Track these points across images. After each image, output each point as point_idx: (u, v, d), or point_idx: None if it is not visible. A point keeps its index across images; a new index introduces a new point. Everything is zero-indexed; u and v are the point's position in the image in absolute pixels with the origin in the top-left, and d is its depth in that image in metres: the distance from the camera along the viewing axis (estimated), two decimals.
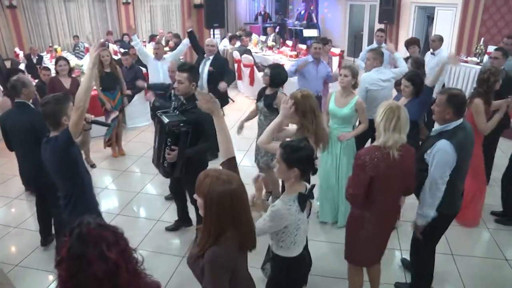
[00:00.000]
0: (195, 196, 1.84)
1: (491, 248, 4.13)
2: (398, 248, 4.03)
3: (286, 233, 2.40)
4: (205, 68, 5.92)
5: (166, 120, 3.34)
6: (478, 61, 7.77)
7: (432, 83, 3.86)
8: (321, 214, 4.49)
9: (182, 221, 4.37)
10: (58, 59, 5.71)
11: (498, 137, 5.14)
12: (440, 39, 6.33)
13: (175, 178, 3.95)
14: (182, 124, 3.32)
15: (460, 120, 2.87)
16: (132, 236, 4.14)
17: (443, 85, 6.46)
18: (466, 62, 8.24)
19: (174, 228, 4.38)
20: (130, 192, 5.26)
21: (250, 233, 1.89)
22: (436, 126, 3.03)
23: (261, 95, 4.48)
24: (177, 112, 3.55)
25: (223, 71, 5.99)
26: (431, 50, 6.49)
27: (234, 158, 2.24)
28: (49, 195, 3.69)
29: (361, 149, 2.82)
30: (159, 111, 3.53)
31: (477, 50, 8.43)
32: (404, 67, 5.05)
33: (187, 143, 3.39)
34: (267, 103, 4.33)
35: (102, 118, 6.17)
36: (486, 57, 6.33)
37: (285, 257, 2.48)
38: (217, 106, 2.25)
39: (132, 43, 6.89)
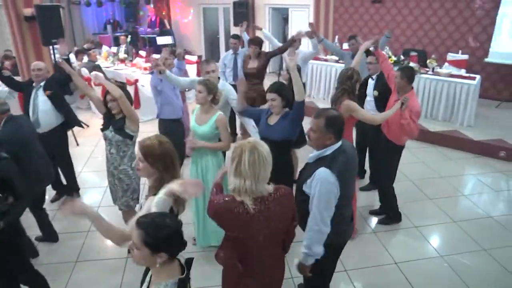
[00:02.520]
0: None
1: (381, 254, 4.03)
2: (290, 276, 3.61)
3: None
4: (39, 97, 4.54)
5: None
6: (337, 59, 7.87)
7: (300, 97, 3.34)
8: (202, 238, 3.94)
9: None
10: None
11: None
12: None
13: None
14: None
15: (340, 143, 2.51)
16: None
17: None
18: (326, 60, 8.42)
19: None
20: None
21: None
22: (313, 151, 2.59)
23: (109, 122, 3.60)
24: None
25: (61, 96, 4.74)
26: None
27: None
28: None
29: (216, 196, 2.21)
30: None
31: None
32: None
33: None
34: (117, 127, 3.52)
35: None
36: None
37: None
38: None
39: None
